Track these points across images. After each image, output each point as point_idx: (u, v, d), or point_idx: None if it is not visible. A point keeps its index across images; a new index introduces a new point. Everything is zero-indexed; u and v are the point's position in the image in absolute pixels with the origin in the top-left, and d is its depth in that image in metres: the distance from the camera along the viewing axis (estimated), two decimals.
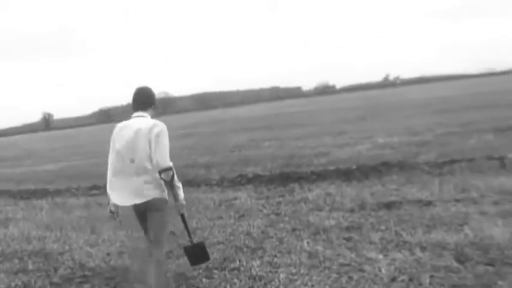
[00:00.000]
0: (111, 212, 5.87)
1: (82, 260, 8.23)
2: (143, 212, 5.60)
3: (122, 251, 8.42)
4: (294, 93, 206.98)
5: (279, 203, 10.74)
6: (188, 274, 6.99)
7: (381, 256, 6.68)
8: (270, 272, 6.67)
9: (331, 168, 13.96)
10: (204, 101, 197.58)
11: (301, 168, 14.66)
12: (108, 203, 5.88)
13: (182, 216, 5.92)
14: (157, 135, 5.40)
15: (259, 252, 7.53)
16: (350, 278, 6.11)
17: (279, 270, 6.68)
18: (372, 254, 6.78)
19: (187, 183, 14.41)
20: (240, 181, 13.87)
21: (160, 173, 5.37)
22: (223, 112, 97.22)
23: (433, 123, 23.93)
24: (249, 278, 6.55)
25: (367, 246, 7.16)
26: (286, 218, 9.30)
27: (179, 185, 5.72)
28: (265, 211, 10.15)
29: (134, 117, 5.73)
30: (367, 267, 6.34)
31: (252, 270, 6.80)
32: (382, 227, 7.95)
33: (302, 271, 6.51)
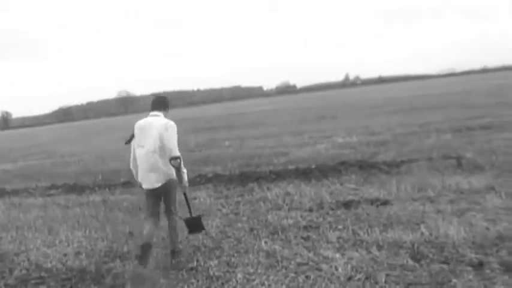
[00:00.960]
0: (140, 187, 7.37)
1: (38, 261, 8.09)
2: (158, 192, 7.19)
3: (79, 252, 8.35)
4: (255, 92, 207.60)
5: (238, 202, 10.73)
6: (146, 275, 6.93)
7: (338, 255, 6.71)
8: (228, 271, 6.67)
9: (291, 167, 14.01)
10: None
11: (261, 167, 14.68)
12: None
13: (185, 194, 7.52)
14: (170, 130, 7.02)
15: (217, 252, 7.53)
16: (307, 277, 6.12)
17: (237, 269, 6.68)
18: (329, 253, 6.81)
19: None
20: (200, 181, 13.81)
21: (170, 160, 6.92)
22: (184, 111, 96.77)
23: (392, 123, 24.21)
24: (206, 278, 6.53)
25: (325, 245, 7.19)
26: (245, 218, 9.30)
27: (184, 170, 7.20)
28: (224, 210, 10.13)
29: (151, 115, 7.31)
30: (324, 266, 6.36)
31: (210, 270, 6.78)
32: (340, 226, 8.00)
33: (259, 271, 6.52)
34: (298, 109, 53.58)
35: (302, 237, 7.69)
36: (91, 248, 8.48)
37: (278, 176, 12.98)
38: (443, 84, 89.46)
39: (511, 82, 65.55)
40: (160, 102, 7.50)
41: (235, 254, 7.29)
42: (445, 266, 5.97)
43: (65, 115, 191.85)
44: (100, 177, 16.93)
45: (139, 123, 7.23)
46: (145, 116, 7.35)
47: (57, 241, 9.20)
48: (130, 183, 14.82)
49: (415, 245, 6.72)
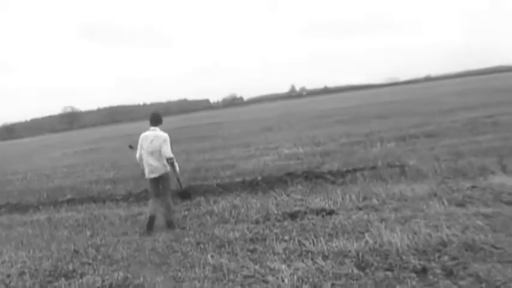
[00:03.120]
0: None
1: None
2: (157, 180, 10.16)
3: (23, 272, 8.19)
4: (202, 105, 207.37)
5: (184, 216, 10.72)
6: None
7: (284, 266, 6.72)
8: (175, 287, 6.62)
9: (238, 180, 14.04)
10: (111, 115, 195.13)
11: (208, 181, 14.65)
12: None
13: (178, 179, 10.49)
14: (165, 140, 9.98)
15: (164, 268, 7.47)
16: None
17: (183, 284, 6.65)
18: (276, 265, 6.82)
19: (91, 200, 14.16)
20: (146, 196, 13.67)
21: (167, 160, 9.99)
22: (129, 126, 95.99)
23: (337, 133, 24.46)
24: None
25: (271, 257, 7.20)
26: (192, 232, 9.29)
27: (176, 164, 10.19)
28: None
29: (150, 130, 10.24)
30: (270, 278, 6.37)
31: (156, 286, 6.73)
32: (286, 237, 8.03)
33: (206, 285, 6.49)
34: (245, 121, 53.69)
35: (248, 250, 7.70)
36: (35, 268, 8.32)
37: (225, 189, 12.98)
38: (387, 94, 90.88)
39: (453, 90, 67.11)
40: (156, 119, 10.42)
41: (182, 269, 7.25)
42: (389, 273, 6.04)
43: (8, 132, 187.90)
44: (45, 194, 16.63)
45: (145, 134, 10.24)
46: (147, 130, 10.28)
47: (0, 262, 8.99)
48: (75, 200, 14.64)
49: (360, 254, 6.78)
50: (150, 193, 10.40)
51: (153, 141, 10.02)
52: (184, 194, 11.37)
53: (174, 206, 10.67)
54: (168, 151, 9.92)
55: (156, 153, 9.96)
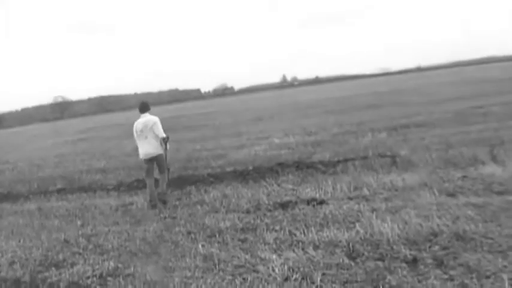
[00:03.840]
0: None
1: None
2: (152, 161, 11.34)
3: (13, 261, 8.17)
4: (193, 95, 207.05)
5: (175, 206, 10.72)
6: (82, 283, 6.84)
7: (274, 256, 6.72)
8: (165, 276, 6.60)
9: (228, 169, 14.06)
10: (102, 105, 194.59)
11: (199, 170, 14.65)
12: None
13: (165, 155, 11.53)
14: (155, 123, 11.18)
15: (155, 257, 7.44)
16: (244, 279, 6.11)
17: (174, 274, 6.63)
18: (266, 254, 6.81)
19: (81, 189, 14.13)
20: (137, 185, 13.71)
21: (162, 139, 11.19)
22: (119, 116, 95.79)
23: (328, 123, 24.49)
24: (143, 284, 6.45)
25: (262, 246, 7.20)
26: (182, 221, 9.26)
27: (168, 142, 11.40)
28: (161, 215, 10.10)
29: (142, 116, 11.42)
30: (261, 268, 6.36)
31: (147, 275, 6.70)
32: (277, 227, 8.02)
33: (197, 274, 6.48)
34: (236, 111, 53.67)
35: (239, 239, 7.69)
36: (26, 257, 8.30)
37: (216, 178, 13.00)
38: (378, 84, 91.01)
39: (444, 80, 67.31)
40: (145, 107, 11.53)
41: (173, 259, 7.22)
42: (380, 263, 6.04)
43: None
44: (35, 184, 16.59)
45: (137, 122, 11.41)
46: (138, 117, 11.49)
47: None
48: (65, 189, 14.60)
49: (351, 244, 6.78)
50: (146, 174, 11.47)
51: (146, 125, 11.18)
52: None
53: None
54: (160, 131, 11.13)
55: (150, 135, 11.13)
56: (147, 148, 11.18)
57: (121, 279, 6.73)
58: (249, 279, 6.09)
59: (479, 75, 69.64)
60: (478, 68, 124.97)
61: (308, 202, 9.33)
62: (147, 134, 11.12)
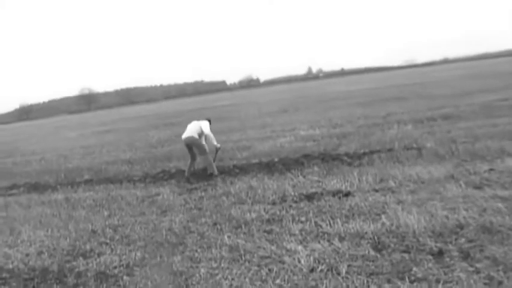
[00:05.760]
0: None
1: (0, 262, 7.99)
2: (190, 146, 13.31)
3: (41, 251, 8.28)
4: (218, 87, 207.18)
5: (201, 197, 10.74)
6: (109, 272, 6.91)
7: (300, 247, 6.74)
8: (191, 267, 6.66)
9: (254, 161, 14.09)
10: (128, 97, 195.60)
11: (224, 162, 14.69)
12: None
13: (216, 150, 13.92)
14: (204, 124, 13.36)
15: (181, 248, 7.50)
16: (270, 270, 6.14)
17: (200, 265, 6.68)
18: (292, 246, 6.84)
19: (108, 180, 14.23)
20: (163, 176, 13.81)
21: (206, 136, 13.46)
22: (145, 107, 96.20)
23: (354, 115, 24.36)
24: (169, 274, 6.51)
25: (288, 238, 7.22)
26: (208, 213, 9.30)
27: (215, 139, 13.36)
28: (187, 206, 10.12)
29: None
30: (286, 259, 6.39)
31: (173, 265, 6.76)
32: (303, 219, 8.03)
33: (222, 265, 6.53)
34: (261, 103, 53.63)
35: (265, 231, 7.71)
36: (53, 247, 8.41)
37: (241, 170, 13.05)
38: (404, 76, 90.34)
39: (470, 72, 66.58)
40: (205, 118, 13.98)
41: (199, 249, 7.28)
42: (405, 255, 6.03)
43: (26, 113, 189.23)
44: (62, 175, 16.77)
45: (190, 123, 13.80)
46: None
47: (19, 241, 9.13)
48: (92, 180, 14.73)
49: (376, 236, 6.78)
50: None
51: (195, 124, 13.50)
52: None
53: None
54: (207, 130, 13.30)
55: (195, 128, 13.29)
56: (188, 132, 13.20)
57: (147, 269, 6.79)
58: (274, 270, 6.12)
59: (504, 67, 68.73)
60: (504, 60, 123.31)
61: (334, 194, 9.31)
62: (195, 127, 13.31)
